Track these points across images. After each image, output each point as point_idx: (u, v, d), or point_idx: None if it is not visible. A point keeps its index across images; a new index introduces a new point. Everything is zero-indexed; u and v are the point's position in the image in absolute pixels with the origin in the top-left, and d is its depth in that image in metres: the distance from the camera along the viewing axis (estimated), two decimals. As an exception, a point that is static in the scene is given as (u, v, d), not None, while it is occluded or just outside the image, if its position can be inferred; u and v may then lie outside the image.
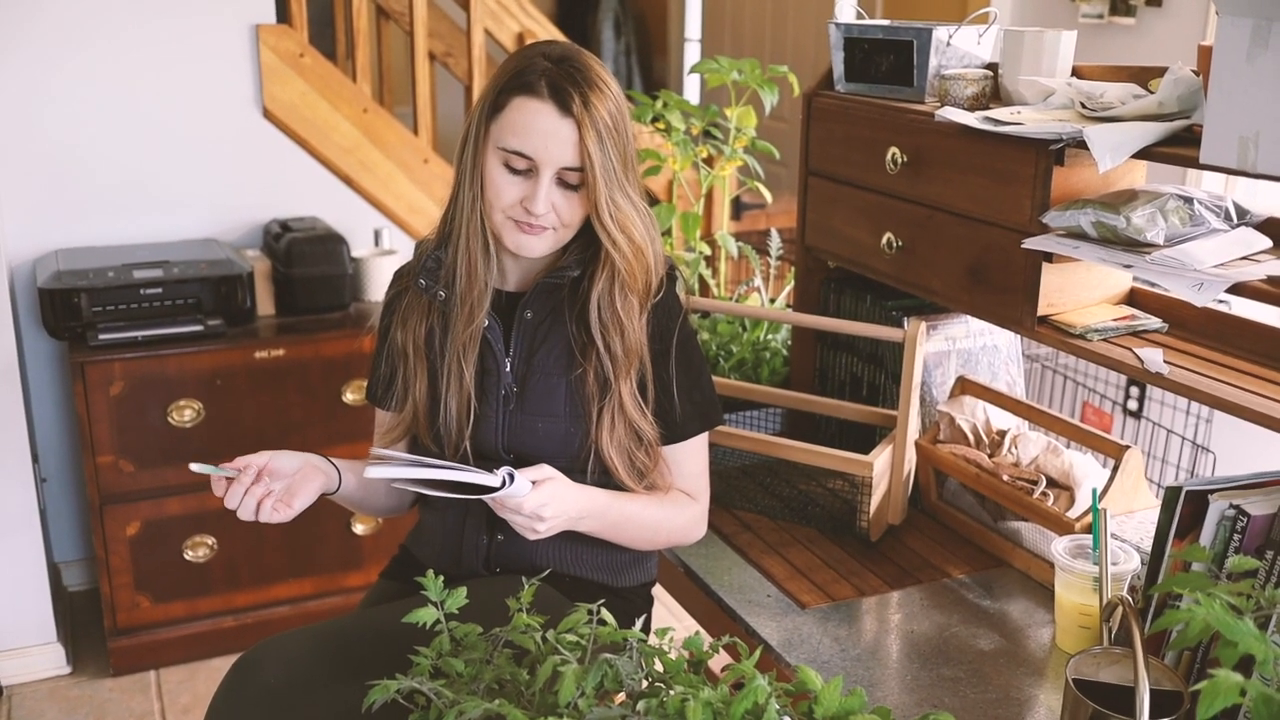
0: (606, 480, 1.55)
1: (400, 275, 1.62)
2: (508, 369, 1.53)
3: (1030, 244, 1.54)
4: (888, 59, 1.83)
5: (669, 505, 1.58)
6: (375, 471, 1.36)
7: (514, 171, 1.43)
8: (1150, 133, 1.44)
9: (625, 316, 1.49)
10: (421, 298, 1.55)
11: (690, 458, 1.59)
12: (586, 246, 1.51)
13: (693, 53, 5.90)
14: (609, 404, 1.50)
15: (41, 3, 2.74)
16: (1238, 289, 1.37)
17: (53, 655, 2.77)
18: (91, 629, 2.94)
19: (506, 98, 1.43)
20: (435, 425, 1.55)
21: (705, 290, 2.54)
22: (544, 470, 1.45)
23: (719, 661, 2.34)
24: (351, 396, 2.82)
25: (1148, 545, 1.47)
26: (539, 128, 1.40)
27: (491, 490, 1.37)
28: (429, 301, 1.54)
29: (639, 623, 1.67)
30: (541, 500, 1.41)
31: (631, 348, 1.50)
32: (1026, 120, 1.56)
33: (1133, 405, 2.73)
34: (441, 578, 1.18)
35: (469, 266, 1.49)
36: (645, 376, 1.53)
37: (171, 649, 2.80)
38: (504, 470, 1.37)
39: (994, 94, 1.76)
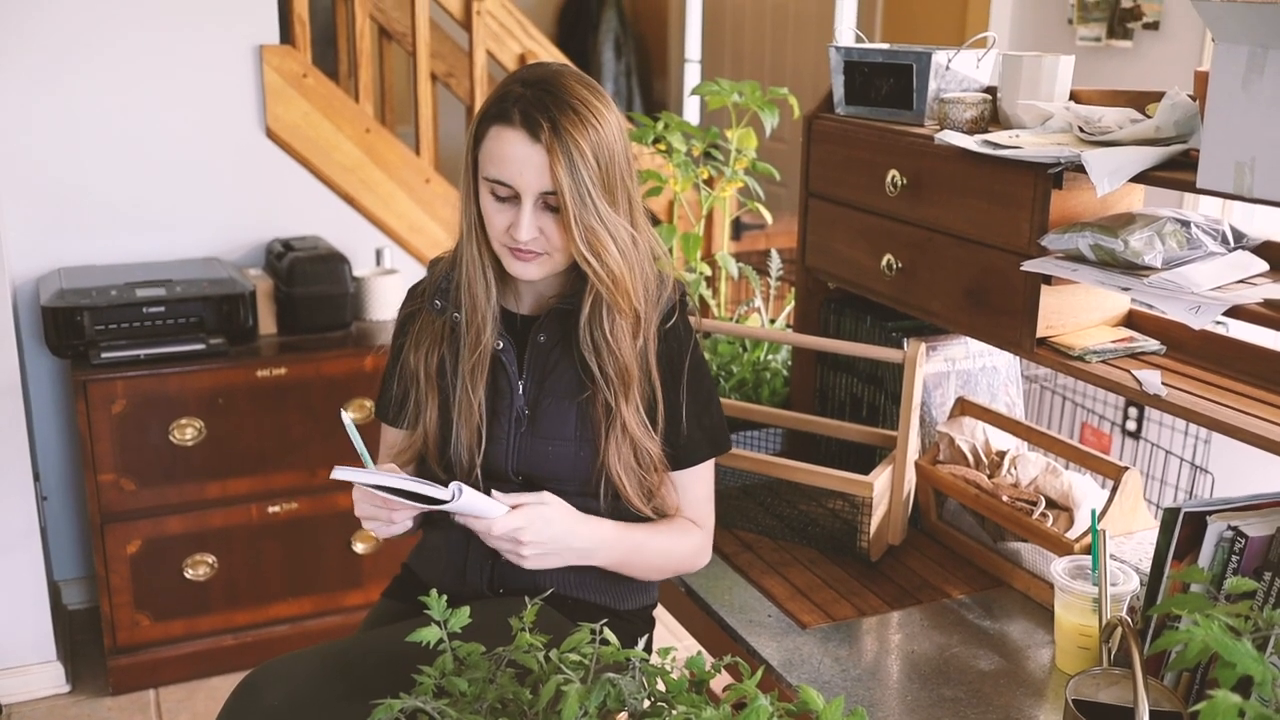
0: (618, 504, 1.55)
1: (414, 294, 1.62)
2: (520, 392, 1.54)
3: (1029, 266, 1.56)
4: (887, 82, 1.85)
5: (675, 533, 1.58)
6: (340, 473, 1.37)
7: (500, 199, 1.44)
8: (1148, 157, 1.46)
9: (614, 340, 1.48)
10: (435, 320, 1.55)
11: (697, 483, 1.60)
12: None
13: (693, 74, 5.93)
14: (613, 426, 1.51)
15: (43, 21, 2.76)
16: (1235, 312, 1.38)
17: (52, 674, 2.76)
18: (91, 647, 2.93)
19: (485, 127, 1.43)
20: (446, 454, 1.55)
21: (706, 311, 2.55)
22: (540, 496, 1.45)
23: (720, 682, 2.34)
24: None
25: (1146, 566, 1.48)
26: (513, 156, 1.40)
27: (441, 503, 1.36)
28: (442, 326, 1.55)
29: (640, 643, 1.67)
30: (515, 525, 1.41)
31: (626, 370, 1.49)
32: (1025, 144, 1.57)
33: (1131, 426, 2.74)
34: (445, 597, 1.19)
35: (471, 291, 1.50)
36: (655, 400, 1.53)
37: (171, 668, 2.80)
38: (454, 484, 1.36)
39: (993, 117, 1.78)
